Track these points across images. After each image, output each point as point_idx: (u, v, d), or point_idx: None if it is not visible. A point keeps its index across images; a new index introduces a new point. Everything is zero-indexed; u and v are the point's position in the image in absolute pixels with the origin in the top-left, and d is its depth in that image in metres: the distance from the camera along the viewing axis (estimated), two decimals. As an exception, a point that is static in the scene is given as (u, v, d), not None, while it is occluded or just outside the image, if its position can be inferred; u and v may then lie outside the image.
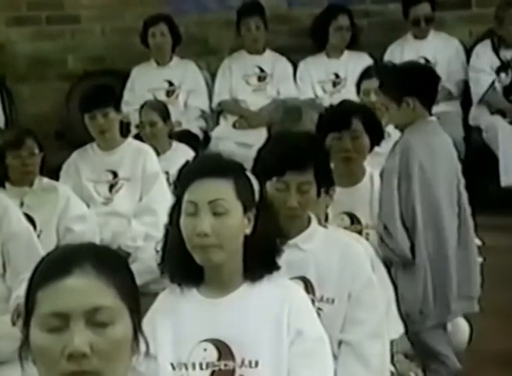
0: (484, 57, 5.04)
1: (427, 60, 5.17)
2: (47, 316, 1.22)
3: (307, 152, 2.21)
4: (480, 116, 4.98)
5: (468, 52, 5.18)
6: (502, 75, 4.99)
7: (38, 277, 1.26)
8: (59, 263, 1.25)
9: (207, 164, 1.89)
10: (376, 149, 3.13)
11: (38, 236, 3.21)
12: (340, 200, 2.75)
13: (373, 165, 3.13)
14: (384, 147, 3.23)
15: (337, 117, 2.99)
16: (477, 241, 4.13)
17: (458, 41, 5.25)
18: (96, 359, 1.21)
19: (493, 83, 4.97)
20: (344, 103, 3.12)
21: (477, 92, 5.01)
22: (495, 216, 4.42)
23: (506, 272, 3.84)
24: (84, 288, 1.23)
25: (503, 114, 4.89)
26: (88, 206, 3.87)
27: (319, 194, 2.24)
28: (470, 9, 5.45)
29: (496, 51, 5.03)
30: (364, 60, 4.97)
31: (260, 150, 2.29)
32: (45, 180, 3.62)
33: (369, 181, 3.03)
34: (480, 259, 4.04)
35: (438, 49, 5.18)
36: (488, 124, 4.89)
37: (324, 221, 2.53)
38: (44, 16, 5.60)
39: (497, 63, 5.01)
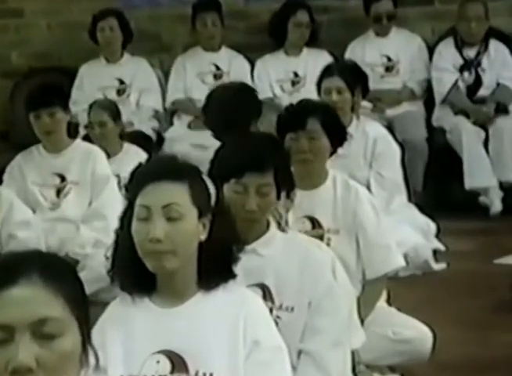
0: (447, 55, 5.11)
1: (389, 58, 5.23)
2: (-10, 328, 1.21)
3: (266, 153, 2.22)
4: (443, 116, 5.05)
5: (431, 50, 5.25)
6: (466, 74, 5.07)
7: (-20, 287, 1.24)
8: (3, 272, 1.24)
9: (161, 167, 1.88)
10: (339, 150, 3.15)
11: (-20, 243, 3.18)
12: (300, 204, 2.76)
13: (334, 167, 3.14)
14: (347, 149, 3.25)
15: (293, 117, 3.00)
16: (441, 246, 4.20)
17: (420, 39, 5.32)
18: (42, 373, 1.20)
19: (456, 82, 5.04)
20: (302, 103, 3.13)
21: (440, 91, 5.07)
22: (459, 220, 4.48)
23: (470, 278, 3.88)
24: (30, 299, 1.22)
25: (467, 115, 4.96)
26: (34, 211, 3.83)
27: (278, 197, 2.25)
28: (432, 5, 5.53)
29: (459, 49, 5.11)
30: (324, 58, 5.00)
31: (217, 152, 2.29)
32: (-13, 184, 3.57)
33: (332, 184, 3.05)
34: (443, 265, 4.10)
35: (400, 47, 5.24)
36: (451, 125, 4.96)
37: (285, 225, 2.53)
38: (-15, 9, 5.54)
39: (460, 61, 5.09)
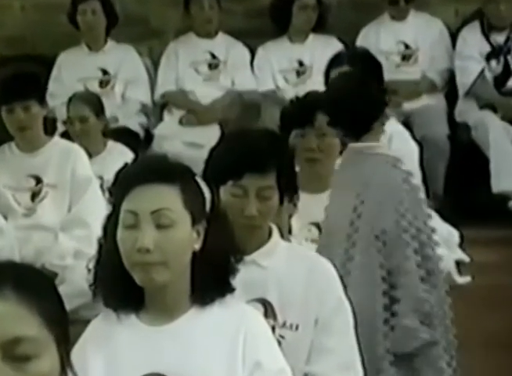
0: (473, 42, 5.12)
1: (406, 46, 5.24)
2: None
3: (268, 152, 2.22)
4: (467, 111, 5.05)
5: (454, 36, 5.25)
6: (493, 63, 5.07)
7: None
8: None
9: (150, 168, 1.89)
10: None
11: None
12: (307, 209, 2.77)
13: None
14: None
15: (300, 111, 3.01)
16: (465, 257, 4.20)
17: (442, 23, 5.32)
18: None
19: (482, 72, 5.05)
20: (309, 95, 3.15)
21: (464, 82, 5.08)
22: (486, 228, 4.47)
23: (496, 293, 3.88)
24: (2, 316, 1.22)
25: (494, 109, 4.96)
26: (6, 218, 3.83)
27: (281, 201, 2.26)
28: (456, -15, 5.53)
29: (486, 34, 5.11)
30: (333, 45, 5.01)
31: (212, 150, 2.30)
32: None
33: (342, 186, 3.06)
34: (468, 278, 4.11)
35: (419, 33, 5.25)
36: (476, 121, 4.96)
37: (287, 234, 2.54)
38: (-49, -10, 5.55)
39: (487, 48, 5.09)
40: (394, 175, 2.75)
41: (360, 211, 2.68)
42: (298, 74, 5.26)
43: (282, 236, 2.33)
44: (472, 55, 5.09)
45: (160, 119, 5.28)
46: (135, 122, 5.17)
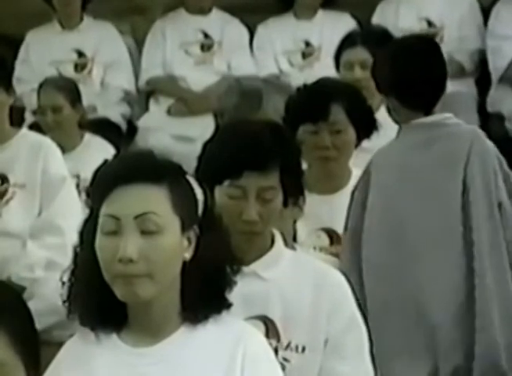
0: (508, 19, 5.12)
1: (430, 23, 5.25)
2: None
3: (271, 147, 2.23)
4: (501, 99, 5.06)
5: (486, 12, 5.26)
6: (532, 43, 5.09)
7: None
8: None
9: (133, 166, 1.90)
10: (364, 143, 3.17)
11: None
12: (316, 212, 2.78)
13: (358, 165, 3.16)
14: (374, 141, 3.27)
15: (311, 103, 3.02)
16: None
17: (472, -3, 5.34)
18: None
19: (519, 54, 5.06)
20: (320, 83, 3.15)
21: (497, 66, 5.08)
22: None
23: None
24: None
25: (532, 97, 4.98)
26: (-33, 223, 3.84)
27: (285, 204, 2.26)
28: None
29: (524, 10, 5.13)
30: (345, 23, 5.02)
31: (206, 145, 2.31)
32: None
33: (356, 186, 3.07)
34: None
35: (444, 8, 5.26)
36: (511, 110, 4.97)
37: (292, 241, 2.55)
38: None
39: (525, 26, 5.10)
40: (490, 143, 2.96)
41: (472, 184, 2.85)
42: (304, 55, 5.27)
43: (286, 243, 2.34)
44: (507, 34, 5.09)
45: (146, 109, 5.29)
46: (116, 112, 5.18)
